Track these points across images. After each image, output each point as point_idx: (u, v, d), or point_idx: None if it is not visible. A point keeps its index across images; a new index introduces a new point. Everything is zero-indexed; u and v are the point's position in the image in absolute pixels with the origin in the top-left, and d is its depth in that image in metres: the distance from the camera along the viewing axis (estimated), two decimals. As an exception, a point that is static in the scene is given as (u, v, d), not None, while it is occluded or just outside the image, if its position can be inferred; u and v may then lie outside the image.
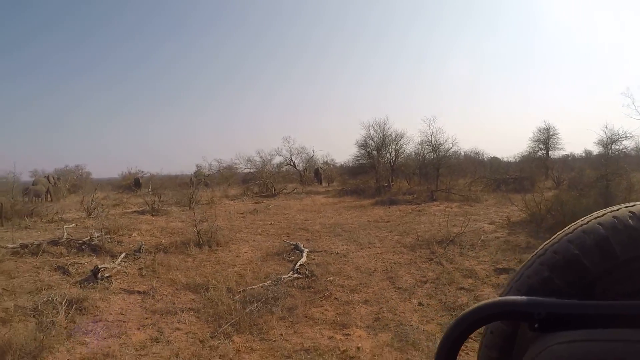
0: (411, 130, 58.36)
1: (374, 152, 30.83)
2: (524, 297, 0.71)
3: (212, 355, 6.29)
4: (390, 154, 30.70)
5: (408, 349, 6.21)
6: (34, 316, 7.79)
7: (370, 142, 31.25)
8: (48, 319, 7.31)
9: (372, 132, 31.14)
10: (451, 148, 27.56)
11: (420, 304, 8.01)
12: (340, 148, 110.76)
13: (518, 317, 0.71)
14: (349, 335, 6.78)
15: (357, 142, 31.86)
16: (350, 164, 35.60)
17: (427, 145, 28.41)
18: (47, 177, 30.54)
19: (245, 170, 35.45)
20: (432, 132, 27.71)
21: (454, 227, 12.55)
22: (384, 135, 30.68)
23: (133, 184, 35.55)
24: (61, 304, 7.92)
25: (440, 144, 27.42)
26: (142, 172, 39.88)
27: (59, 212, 20.05)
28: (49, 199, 27.41)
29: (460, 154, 30.17)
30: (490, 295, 8.22)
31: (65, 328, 7.10)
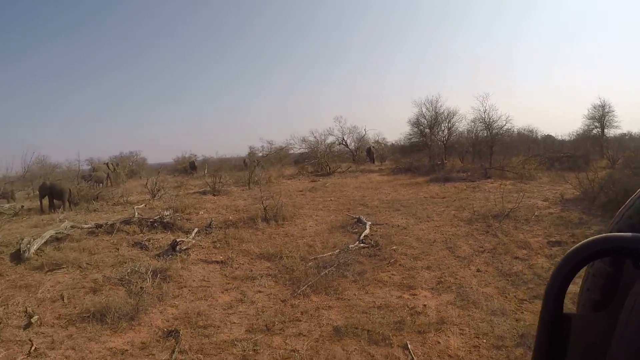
0: (464, 108, 57.33)
1: (427, 130, 30.70)
2: (630, 234, 0.72)
3: (295, 312, 7.06)
4: (443, 131, 30.51)
5: (469, 307, 6.93)
6: (122, 285, 8.64)
7: (423, 120, 31.22)
8: (137, 287, 8.12)
9: (424, 110, 31.09)
10: (504, 125, 27.11)
11: (478, 270, 8.67)
12: (392, 127, 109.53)
13: (625, 253, 0.72)
14: (416, 295, 7.54)
15: (410, 120, 31.96)
16: (402, 143, 35.69)
17: (480, 122, 28.03)
18: (107, 164, 32.06)
19: (300, 151, 35.99)
20: (485, 110, 27.33)
21: (508, 203, 12.74)
22: (436, 113, 30.51)
23: (189, 167, 36.92)
24: (146, 273, 8.75)
25: (493, 121, 27.01)
26: (196, 156, 41.33)
27: (123, 195, 21.24)
28: (109, 184, 28.81)
29: (513, 131, 29.46)
30: (544, 265, 8.66)
31: (154, 293, 7.84)
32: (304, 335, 6.30)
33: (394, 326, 6.36)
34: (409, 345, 5.77)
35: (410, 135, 32.31)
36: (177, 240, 10.69)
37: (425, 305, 7.02)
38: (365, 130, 38.93)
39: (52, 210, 19.38)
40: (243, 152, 42.39)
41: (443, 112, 30.50)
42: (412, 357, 5.49)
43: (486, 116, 27.51)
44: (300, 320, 6.78)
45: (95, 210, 18.40)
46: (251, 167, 27.22)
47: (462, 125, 30.61)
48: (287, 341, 6.17)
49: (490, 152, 26.26)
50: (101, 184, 25.84)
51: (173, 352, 5.97)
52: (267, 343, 6.12)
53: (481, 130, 28.47)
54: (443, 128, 30.76)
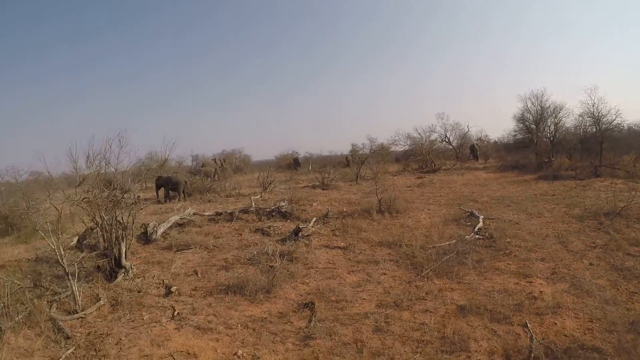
0: (571, 101, 54.03)
1: (532, 126, 29.64)
2: None
3: (419, 292, 7.59)
4: (549, 127, 29.25)
5: (583, 296, 7.21)
6: (251, 264, 9.51)
7: (528, 115, 29.69)
8: (266, 265, 8.94)
9: (529, 104, 29.83)
10: (614, 120, 25.45)
11: (590, 264, 8.79)
12: (495, 123, 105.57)
13: None
14: (531, 282, 7.88)
15: (515, 116, 30.87)
16: (506, 140, 34.98)
17: (589, 117, 26.56)
18: (214, 160, 34.11)
19: (402, 148, 36.04)
20: (594, 103, 25.91)
21: (620, 202, 12.43)
22: (541, 107, 28.96)
23: (293, 163, 38.37)
24: (274, 254, 9.57)
25: (602, 115, 25.50)
26: (297, 153, 42.78)
27: (235, 188, 22.62)
28: (217, 178, 30.56)
29: (623, 127, 27.52)
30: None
31: (284, 272, 8.57)
32: (431, 312, 6.79)
33: (513, 307, 6.72)
34: (528, 324, 6.13)
35: (515, 131, 31.32)
36: (300, 226, 11.45)
37: (541, 292, 7.36)
38: (468, 127, 38.31)
39: (167, 200, 21.08)
40: (341, 149, 43.25)
41: (549, 107, 29.20)
42: (532, 334, 5.83)
43: (595, 110, 26.08)
44: (425, 299, 7.28)
45: (209, 201, 19.82)
46: (358, 163, 27.81)
47: (569, 120, 29.15)
48: (415, 316, 6.68)
49: (599, 149, 24.98)
50: (209, 178, 27.46)
51: (310, 320, 6.60)
52: (397, 317, 6.67)
53: (589, 125, 27.03)
54: (549, 124, 29.39)
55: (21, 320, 7.13)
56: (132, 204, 10.33)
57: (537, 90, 29.89)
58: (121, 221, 9.55)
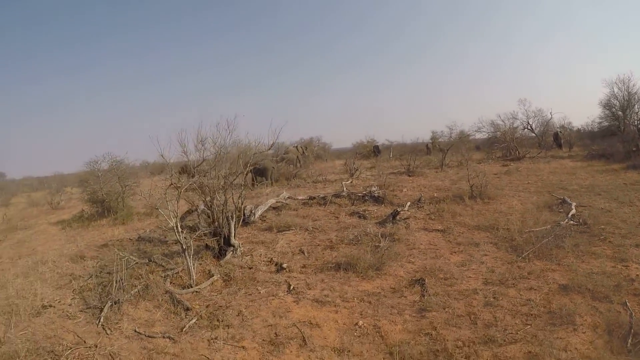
0: None
1: (619, 113, 28.29)
2: None
3: (522, 272, 7.84)
4: (637, 114, 27.83)
5: None
6: (354, 244, 9.99)
7: (614, 101, 28.30)
8: (370, 246, 9.40)
9: (615, 90, 28.41)
10: None
11: None
12: (579, 110, 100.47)
13: None
14: (628, 266, 7.87)
15: (601, 102, 29.61)
16: (590, 127, 33.75)
17: None
18: (296, 147, 34.87)
19: (487, 135, 35.43)
20: None
21: None
22: (628, 93, 27.50)
23: (373, 151, 38.70)
24: (377, 235, 10.04)
25: None
26: (376, 141, 42.97)
27: (322, 174, 23.27)
28: (299, 165, 31.36)
29: None
30: None
31: (388, 252, 8.99)
32: (535, 290, 7.03)
33: (612, 288, 6.82)
34: (628, 303, 6.25)
35: (601, 118, 30.02)
36: (398, 210, 11.84)
37: (637, 275, 7.39)
38: (551, 113, 36.92)
39: (255, 186, 21.96)
40: (416, 137, 43.00)
41: (636, 92, 27.63)
42: (631, 312, 5.97)
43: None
44: (528, 278, 7.52)
45: (298, 186, 20.51)
46: (443, 150, 27.80)
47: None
48: (520, 293, 6.95)
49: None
50: (291, 165, 28.23)
51: (422, 295, 7.01)
52: (504, 293, 6.96)
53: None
54: (637, 110, 28.06)
55: (137, 293, 7.80)
56: (243, 185, 10.99)
57: (624, 75, 28.35)
58: (233, 201, 10.25)
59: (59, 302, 7.85)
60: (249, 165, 11.09)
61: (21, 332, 6.55)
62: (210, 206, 10.18)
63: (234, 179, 10.61)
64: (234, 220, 10.17)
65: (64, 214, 21.35)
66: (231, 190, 10.32)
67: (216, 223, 10.18)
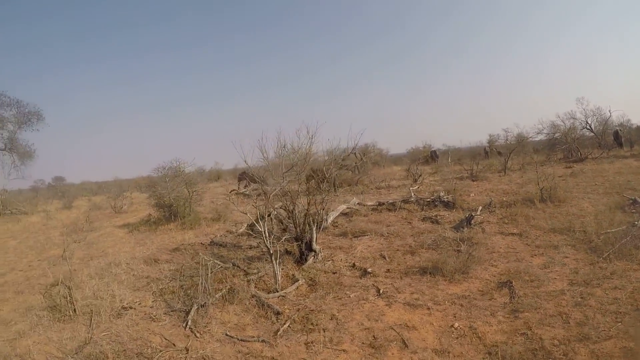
0: None
1: None
2: None
3: (605, 272, 7.98)
4: None
5: None
6: (433, 249, 10.34)
7: None
8: (451, 250, 9.73)
9: None
10: None
11: None
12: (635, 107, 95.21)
13: None
14: None
15: None
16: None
17: None
18: (354, 154, 35.28)
19: (546, 137, 34.77)
20: None
21: None
22: None
23: (430, 156, 38.79)
24: (455, 240, 10.37)
25: None
26: (431, 146, 42.99)
27: (385, 180, 23.63)
28: (357, 172, 31.77)
29: None
30: None
31: (470, 256, 9.28)
32: (619, 289, 7.17)
33: None
34: None
35: None
36: (473, 214, 12.11)
37: None
38: (610, 111, 36.00)
39: (333, 191, 22.42)
40: (471, 140, 42.61)
41: None
42: None
43: None
44: (612, 278, 7.65)
45: (362, 192, 20.93)
46: (506, 153, 27.68)
47: None
48: (606, 292, 7.11)
49: None
50: (350, 172, 28.63)
51: (511, 297, 7.30)
52: (590, 293, 7.15)
53: None
54: None
55: (223, 297, 8.07)
56: (327, 190, 11.37)
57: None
58: (316, 207, 10.69)
59: (139, 304, 8.23)
60: (332, 168, 11.44)
61: (103, 333, 6.82)
62: (292, 211, 10.55)
63: (322, 183, 10.99)
64: (316, 225, 10.58)
65: (127, 217, 22.55)
66: (312, 195, 10.75)
67: (298, 228, 10.52)
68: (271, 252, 8.85)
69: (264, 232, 9.13)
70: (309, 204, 10.53)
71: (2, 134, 29.59)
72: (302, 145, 11.19)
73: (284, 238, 10.40)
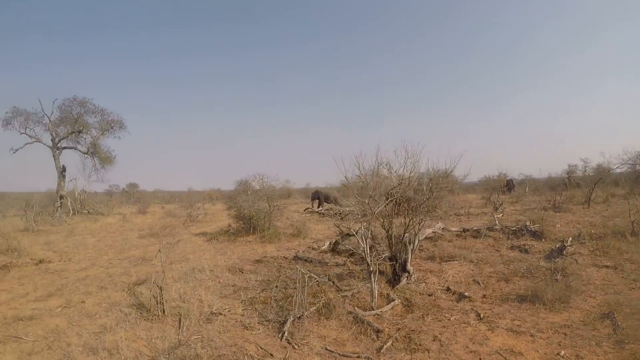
0: None
1: None
2: None
3: None
4: None
5: None
6: (526, 277, 10.52)
7: None
8: (545, 279, 9.87)
9: None
10: None
11: None
12: None
13: None
14: None
15: None
16: None
17: None
18: (430, 179, 35.26)
19: (627, 169, 33.44)
20: None
21: None
22: None
23: (506, 185, 38.21)
24: (549, 270, 10.52)
25: None
26: (505, 175, 42.34)
27: (464, 207, 23.72)
28: (431, 197, 31.67)
29: None
30: None
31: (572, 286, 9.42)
32: None
33: None
34: None
35: None
36: (565, 244, 12.20)
37: None
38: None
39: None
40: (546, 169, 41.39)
41: None
42: None
43: None
44: None
45: (441, 218, 21.11)
46: (590, 185, 27.05)
47: None
48: None
49: None
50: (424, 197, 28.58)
51: (615, 328, 7.44)
52: None
53: None
54: None
55: (318, 311, 8.19)
56: (424, 212, 11.47)
57: None
58: (414, 228, 10.86)
59: (229, 310, 8.40)
60: (432, 190, 11.47)
61: (194, 337, 6.95)
62: (388, 230, 10.72)
63: (419, 205, 11.10)
64: (411, 246, 10.79)
65: (203, 226, 23.45)
66: (412, 215, 10.88)
67: (393, 248, 10.72)
68: (371, 269, 9.08)
69: (366, 249, 9.42)
70: (407, 225, 10.73)
71: (85, 139, 32.30)
72: (403, 166, 11.27)
73: (382, 257, 10.48)
